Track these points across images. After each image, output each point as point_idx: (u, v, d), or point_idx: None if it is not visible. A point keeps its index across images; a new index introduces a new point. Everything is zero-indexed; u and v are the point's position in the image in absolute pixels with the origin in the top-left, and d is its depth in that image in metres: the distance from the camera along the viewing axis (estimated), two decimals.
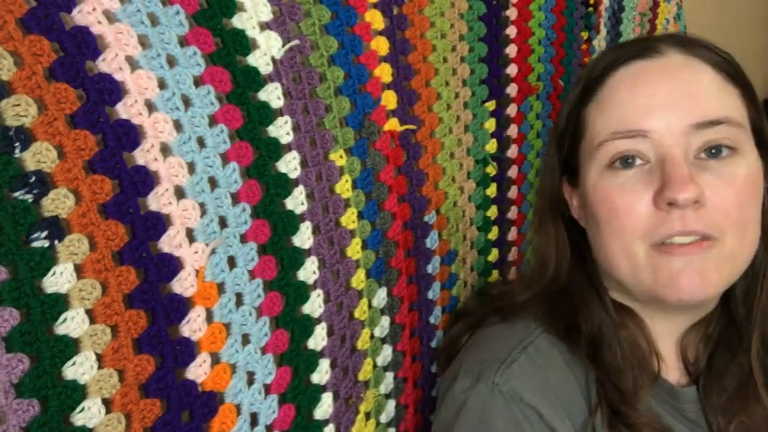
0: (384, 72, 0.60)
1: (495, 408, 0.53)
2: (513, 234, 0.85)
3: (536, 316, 0.60)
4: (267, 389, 0.49)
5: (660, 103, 0.53)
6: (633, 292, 0.56)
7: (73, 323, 0.36)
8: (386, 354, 0.63)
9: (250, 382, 0.48)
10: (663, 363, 0.58)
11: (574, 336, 0.57)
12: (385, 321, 0.63)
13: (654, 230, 0.52)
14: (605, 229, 0.55)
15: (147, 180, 0.40)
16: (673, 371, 0.60)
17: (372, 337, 0.61)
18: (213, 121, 0.45)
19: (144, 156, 0.40)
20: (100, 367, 0.37)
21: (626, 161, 0.54)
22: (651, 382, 0.57)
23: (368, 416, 0.61)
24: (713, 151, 0.52)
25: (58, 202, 0.35)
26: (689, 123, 0.52)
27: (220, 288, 0.45)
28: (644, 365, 0.57)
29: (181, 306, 0.42)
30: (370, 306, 0.60)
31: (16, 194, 0.34)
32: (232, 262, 0.46)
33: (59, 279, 0.35)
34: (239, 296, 0.47)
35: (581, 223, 0.61)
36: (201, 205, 0.44)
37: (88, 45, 0.37)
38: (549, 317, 0.59)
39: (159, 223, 0.41)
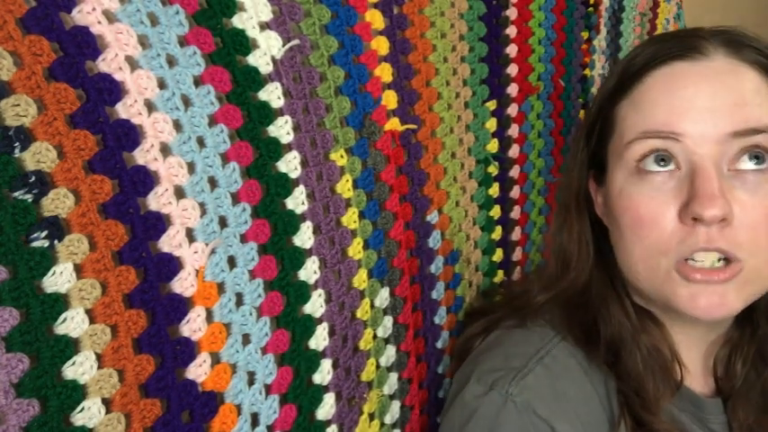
0: (384, 72, 0.60)
1: (507, 418, 0.51)
2: (516, 234, 0.84)
3: (553, 321, 0.58)
4: (268, 389, 0.49)
5: (697, 107, 0.50)
6: (652, 299, 0.55)
7: (73, 323, 0.36)
8: (389, 354, 0.63)
9: (251, 382, 0.48)
10: (686, 371, 0.56)
11: (593, 341, 0.56)
12: (388, 321, 0.63)
13: (677, 247, 0.50)
14: (629, 236, 0.53)
15: (146, 180, 0.40)
16: (697, 381, 0.59)
17: (375, 337, 0.61)
18: (213, 120, 0.45)
19: (144, 156, 0.40)
20: (100, 367, 0.37)
21: (654, 162, 0.51)
22: (673, 389, 0.55)
23: (372, 417, 0.61)
24: (753, 159, 0.49)
25: (58, 202, 0.35)
26: (726, 131, 0.49)
27: (220, 288, 0.45)
28: (665, 372, 0.55)
29: (181, 306, 0.42)
30: (372, 306, 0.60)
31: (16, 194, 0.34)
32: (232, 262, 0.46)
33: (59, 279, 0.35)
34: (239, 296, 0.47)
35: (604, 222, 0.59)
36: (201, 205, 0.44)
37: (88, 45, 0.38)
38: (567, 321, 0.58)
39: (159, 223, 0.41)
